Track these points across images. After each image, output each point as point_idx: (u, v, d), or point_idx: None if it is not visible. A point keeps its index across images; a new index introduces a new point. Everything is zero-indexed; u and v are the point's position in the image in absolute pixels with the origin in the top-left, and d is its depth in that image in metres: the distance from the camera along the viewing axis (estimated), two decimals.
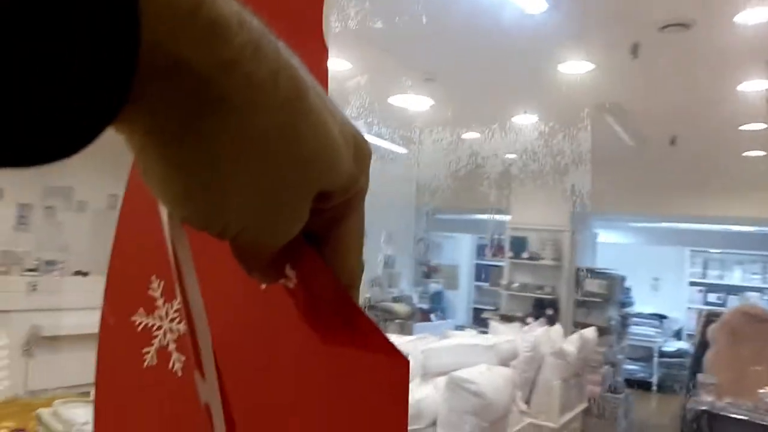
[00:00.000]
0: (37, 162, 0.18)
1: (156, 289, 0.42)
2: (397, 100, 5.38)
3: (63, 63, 0.16)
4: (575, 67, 4.09)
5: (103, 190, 9.00)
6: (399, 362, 0.29)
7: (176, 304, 0.41)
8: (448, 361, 3.00)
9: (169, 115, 0.21)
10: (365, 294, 6.31)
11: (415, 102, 5.35)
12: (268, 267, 0.28)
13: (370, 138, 6.45)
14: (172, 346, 0.40)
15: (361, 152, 0.28)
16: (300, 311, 0.32)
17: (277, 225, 0.25)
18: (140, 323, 0.42)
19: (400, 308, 5.58)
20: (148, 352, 0.42)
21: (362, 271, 0.32)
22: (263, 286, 0.36)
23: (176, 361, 0.40)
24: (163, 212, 0.26)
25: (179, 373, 0.39)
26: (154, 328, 0.41)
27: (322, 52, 0.41)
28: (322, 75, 0.40)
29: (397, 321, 5.38)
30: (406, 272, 10.51)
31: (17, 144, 0.17)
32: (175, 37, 0.19)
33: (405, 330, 5.17)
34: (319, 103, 0.24)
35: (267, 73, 0.22)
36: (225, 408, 0.29)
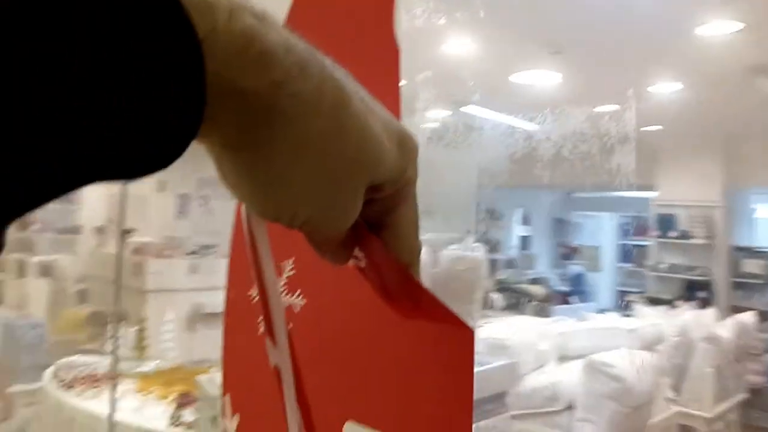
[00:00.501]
0: (147, 172, 0.23)
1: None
2: (521, 77, 5.23)
3: (156, 97, 0.22)
4: (721, 28, 3.73)
5: None
6: (463, 331, 0.31)
7: (283, 278, 0.46)
8: (587, 344, 2.91)
9: (234, 128, 0.26)
10: (499, 276, 6.23)
11: (541, 77, 5.17)
12: (337, 250, 0.32)
13: (496, 116, 6.33)
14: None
15: (406, 146, 0.31)
16: (372, 288, 0.34)
17: (335, 214, 0.30)
18: (254, 297, 0.48)
19: (537, 290, 5.46)
20: (261, 322, 0.47)
21: (420, 250, 0.35)
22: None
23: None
24: (243, 208, 0.32)
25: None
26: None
27: (394, 53, 0.44)
28: (393, 73, 0.43)
29: (533, 303, 5.27)
30: (543, 253, 10.24)
31: (131, 158, 0.22)
32: (230, 67, 0.24)
33: (542, 313, 5.05)
34: (361, 107, 0.28)
35: (312, 87, 0.26)
36: (295, 372, 0.33)
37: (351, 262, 0.34)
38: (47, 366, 3.02)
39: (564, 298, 8.29)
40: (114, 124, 0.21)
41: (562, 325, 3.24)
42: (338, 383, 0.41)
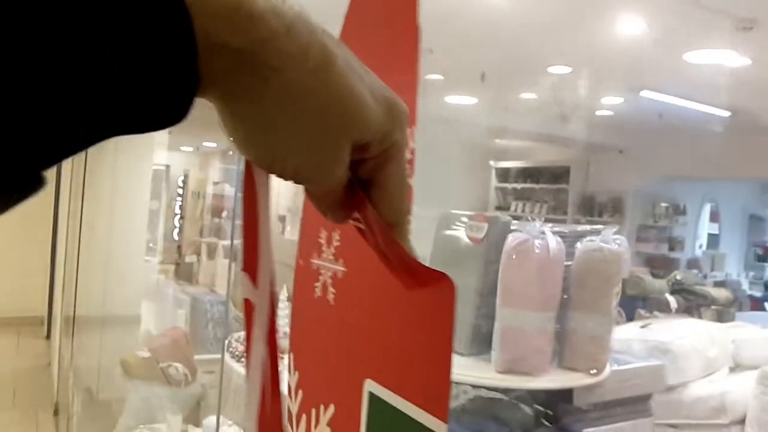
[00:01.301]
0: (159, 124, 0.28)
1: (323, 238, 0.52)
2: (703, 57, 4.74)
3: (157, 58, 0.26)
4: None
5: (418, 172, 9.78)
6: (444, 286, 0.32)
7: (332, 248, 0.51)
8: (765, 353, 2.59)
9: (228, 82, 0.30)
10: (677, 276, 5.74)
11: (727, 57, 4.64)
12: (334, 208, 0.36)
13: (678, 101, 5.79)
14: (329, 282, 0.50)
15: (394, 111, 0.34)
16: (370, 247, 0.36)
17: (320, 166, 0.33)
18: (314, 264, 0.53)
19: (719, 294, 4.94)
20: (317, 286, 0.52)
21: (407, 212, 0.37)
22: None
23: (331, 293, 0.49)
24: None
25: (332, 303, 0.49)
26: (321, 268, 0.52)
27: (413, 33, 0.45)
28: (411, 50, 0.44)
29: (713, 308, 4.79)
30: (733, 254, 9.23)
31: (139, 109, 0.27)
32: (219, 27, 0.28)
33: (723, 317, 4.58)
34: (347, 70, 0.31)
35: (298, 46, 0.30)
36: (271, 317, 0.36)
37: (352, 223, 0.37)
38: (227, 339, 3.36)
39: (757, 304, 7.42)
40: (114, 76, 0.25)
41: (738, 332, 2.92)
42: (363, 345, 0.44)
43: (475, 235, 1.40)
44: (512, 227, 1.38)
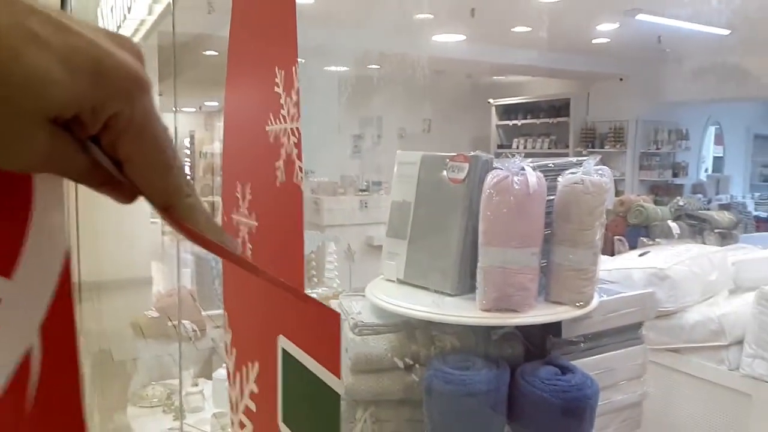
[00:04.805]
0: None
1: (239, 192, 0.50)
2: None
3: None
4: None
5: (420, 117, 9.73)
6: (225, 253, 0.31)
7: (246, 202, 0.48)
8: (766, 275, 2.59)
9: None
10: (679, 202, 5.70)
11: None
12: (100, 190, 0.34)
13: (676, 23, 5.62)
14: (246, 237, 0.48)
15: (106, 79, 0.30)
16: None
17: (5, 148, 0.29)
18: (234, 219, 0.51)
19: (722, 217, 4.91)
20: (238, 243, 0.50)
21: (180, 191, 0.34)
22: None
23: (249, 250, 0.48)
24: None
25: (251, 259, 0.47)
26: (239, 224, 0.50)
27: None
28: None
29: (716, 231, 4.77)
30: (738, 176, 9.16)
31: None
32: None
33: (726, 240, 4.57)
34: (18, 39, 0.28)
35: None
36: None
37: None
38: None
39: (763, 225, 7.39)
40: None
41: (739, 254, 2.92)
42: (276, 301, 0.43)
43: (456, 176, 1.39)
44: (495, 165, 1.36)
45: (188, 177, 0.35)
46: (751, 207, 7.90)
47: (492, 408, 1.12)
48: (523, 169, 1.29)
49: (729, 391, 2.38)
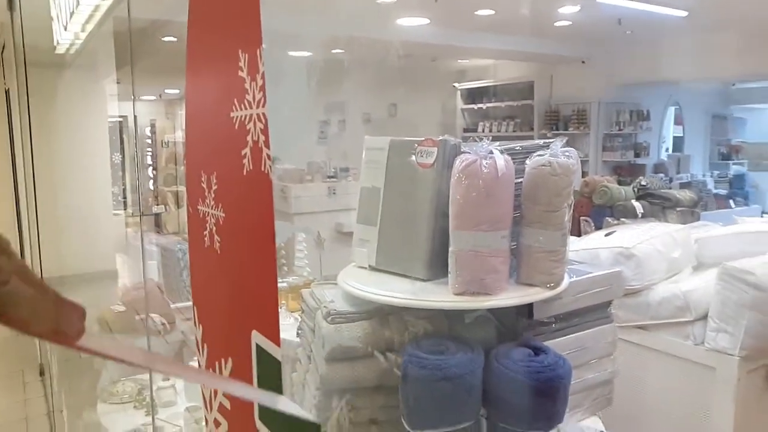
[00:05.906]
0: None
1: (204, 181, 0.48)
2: None
3: None
4: None
5: (386, 101, 9.68)
6: None
7: (212, 193, 0.46)
8: (729, 251, 2.65)
9: None
10: (642, 182, 5.81)
11: None
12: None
13: (637, 5, 5.66)
14: (214, 229, 0.46)
15: None
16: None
17: None
18: (200, 211, 0.49)
19: (683, 195, 5.03)
20: (206, 235, 0.48)
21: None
22: None
23: (216, 242, 0.46)
24: None
25: (219, 251, 0.45)
26: (206, 215, 0.48)
27: None
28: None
29: (678, 209, 4.88)
30: (698, 155, 9.37)
31: None
32: None
33: (688, 218, 4.68)
34: None
35: None
36: None
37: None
38: None
39: (722, 202, 7.59)
40: None
41: (700, 231, 2.98)
42: (247, 295, 0.41)
43: (425, 161, 1.38)
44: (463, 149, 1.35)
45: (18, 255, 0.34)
46: (711, 185, 8.10)
47: (467, 391, 1.13)
48: (491, 152, 1.29)
49: (695, 365, 2.44)
